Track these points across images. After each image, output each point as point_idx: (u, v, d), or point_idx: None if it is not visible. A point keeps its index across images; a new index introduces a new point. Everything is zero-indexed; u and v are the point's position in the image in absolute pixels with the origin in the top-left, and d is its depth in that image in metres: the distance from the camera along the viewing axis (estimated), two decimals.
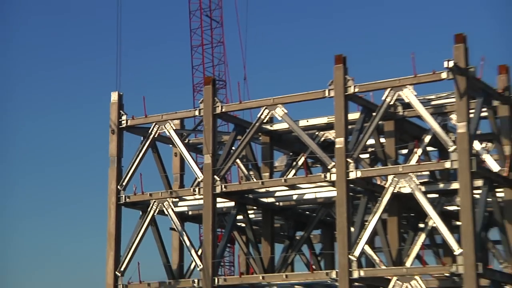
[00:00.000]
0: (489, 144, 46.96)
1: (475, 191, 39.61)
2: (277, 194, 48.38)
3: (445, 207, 44.98)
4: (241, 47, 60.60)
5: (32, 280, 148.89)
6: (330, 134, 46.32)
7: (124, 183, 48.95)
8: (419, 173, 42.26)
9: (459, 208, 39.97)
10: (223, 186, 46.08)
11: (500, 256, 44.98)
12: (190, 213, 51.10)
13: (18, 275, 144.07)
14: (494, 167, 43.47)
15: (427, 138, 45.30)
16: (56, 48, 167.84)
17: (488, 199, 41.54)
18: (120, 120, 49.32)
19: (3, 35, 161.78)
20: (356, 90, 42.65)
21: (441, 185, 43.75)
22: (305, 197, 47.75)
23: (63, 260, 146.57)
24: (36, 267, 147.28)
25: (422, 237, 45.02)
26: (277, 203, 49.62)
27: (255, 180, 49.02)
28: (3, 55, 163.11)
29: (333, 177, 42.22)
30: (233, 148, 47.30)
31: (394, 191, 41.45)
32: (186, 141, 50.21)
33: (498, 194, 43.53)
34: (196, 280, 46.64)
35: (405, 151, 47.57)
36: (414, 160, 44.37)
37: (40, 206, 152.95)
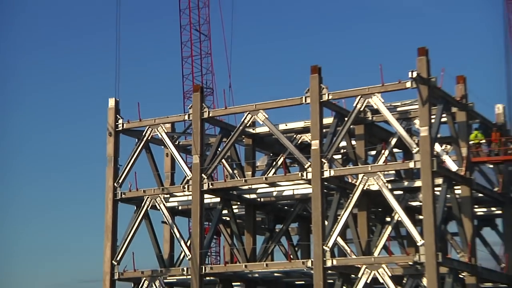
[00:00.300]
0: (448, 146, 47.19)
1: (435, 188, 39.87)
2: (258, 191, 48.44)
3: (409, 203, 45.15)
4: (227, 58, 60.71)
5: (36, 268, 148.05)
6: (307, 137, 46.39)
7: (120, 181, 48.79)
8: (386, 172, 42.36)
9: (421, 203, 40.15)
10: (210, 184, 46.05)
11: (458, 246, 45.16)
12: (180, 208, 50.91)
13: (24, 263, 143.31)
14: (453, 167, 43.68)
15: (393, 141, 45.46)
16: (59, 59, 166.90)
17: (447, 196, 41.72)
18: (117, 123, 49.18)
19: (8, 41, 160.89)
20: (330, 97, 42.78)
21: (406, 183, 43.96)
22: (284, 193, 47.85)
23: (65, 251, 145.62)
24: (39, 258, 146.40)
25: (388, 230, 45.14)
26: (259, 199, 49.61)
27: (238, 178, 48.96)
28: (10, 62, 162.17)
29: (309, 176, 42.28)
30: (219, 149, 47.26)
31: (364, 188, 41.51)
32: (177, 143, 50.06)
33: (456, 191, 43.73)
34: (185, 269, 46.47)
35: (373, 152, 47.72)
36: (381, 160, 44.55)
37: (45, 202, 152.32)
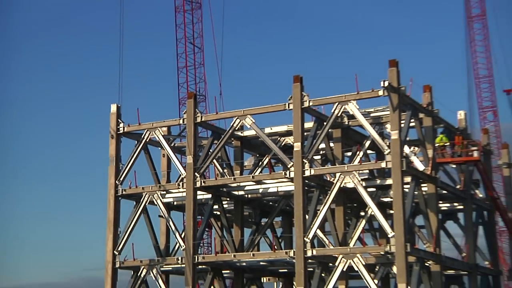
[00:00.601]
0: (416, 148, 47.38)
1: (404, 186, 40.01)
2: (246, 188, 48.40)
3: (381, 199, 45.35)
4: (218, 68, 60.76)
5: (46, 258, 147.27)
6: (290, 140, 46.45)
7: (121, 179, 48.59)
8: (360, 171, 42.50)
9: (392, 199, 40.30)
10: (202, 181, 45.97)
11: (424, 238, 45.42)
12: (175, 203, 50.79)
13: (35, 254, 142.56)
14: (420, 167, 43.78)
15: (367, 143, 45.50)
16: (65, 68, 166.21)
17: (415, 192, 41.83)
18: (118, 127, 48.98)
19: (18, 50, 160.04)
20: (311, 104, 42.84)
21: (378, 181, 44.04)
22: (269, 190, 47.75)
23: (71, 243, 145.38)
24: (49, 249, 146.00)
25: (362, 223, 45.26)
26: (246, 195, 49.54)
27: (228, 176, 48.89)
28: (18, 71, 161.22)
29: (292, 174, 42.29)
30: (211, 150, 47.16)
31: (341, 186, 41.58)
32: (172, 145, 49.95)
33: (423, 188, 43.96)
34: (180, 258, 46.44)
35: (349, 154, 47.77)
36: (356, 160, 44.70)
37: (53, 199, 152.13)
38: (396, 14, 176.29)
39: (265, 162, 50.61)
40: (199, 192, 46.63)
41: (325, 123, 43.31)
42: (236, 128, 46.32)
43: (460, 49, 78.73)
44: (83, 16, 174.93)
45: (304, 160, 41.96)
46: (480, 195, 51.05)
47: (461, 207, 50.03)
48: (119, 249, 47.93)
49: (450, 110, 50.04)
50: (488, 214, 52.40)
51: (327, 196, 41.97)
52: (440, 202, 46.75)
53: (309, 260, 41.98)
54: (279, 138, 48.41)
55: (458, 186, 48.22)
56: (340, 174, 41.66)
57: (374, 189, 44.29)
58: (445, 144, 45.59)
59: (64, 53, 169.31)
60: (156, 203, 47.66)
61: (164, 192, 48.46)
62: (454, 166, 48.88)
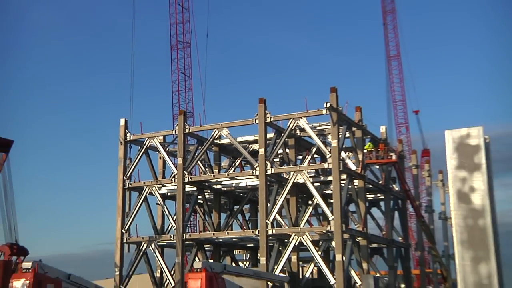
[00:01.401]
0: (350, 153, 47.48)
1: (341, 181, 39.99)
2: (222, 182, 48.01)
3: (324, 191, 45.26)
4: (202, 92, 60.51)
5: (68, 235, 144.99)
6: (255, 146, 45.99)
7: (127, 175, 47.84)
8: (308, 170, 42.47)
9: (332, 191, 40.28)
10: (189, 178, 45.57)
11: (355, 220, 45.50)
12: (169, 194, 50.15)
13: (60, 232, 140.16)
14: (353, 167, 43.95)
15: (314, 149, 45.65)
16: (83, 87, 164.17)
17: (349, 186, 41.93)
18: (126, 136, 48.32)
19: (34, 65, 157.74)
20: (272, 119, 42.66)
21: (322, 178, 44.20)
22: (240, 184, 47.51)
23: (89, 224, 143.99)
24: (71, 229, 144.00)
25: (310, 209, 45.28)
26: (223, 188, 49.12)
27: (209, 174, 48.47)
28: (38, 86, 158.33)
29: (257, 173, 42.04)
30: (196, 154, 46.66)
31: (294, 181, 41.48)
32: (167, 150, 49.26)
33: (355, 183, 44.02)
34: (172, 236, 45.92)
35: (300, 157, 47.70)
36: (306, 162, 44.70)
37: (76, 190, 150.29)
38: (338, 53, 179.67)
39: (237, 163, 50.36)
40: (187, 186, 46.04)
41: (282, 134, 43.18)
42: (215, 137, 45.87)
43: (383, 80, 79.62)
44: (100, 54, 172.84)
45: (266, 162, 41.74)
46: (396, 188, 51.44)
47: (382, 197, 50.34)
48: (126, 228, 47.11)
49: (375, 125, 50.47)
50: (401, 203, 52.81)
51: (283, 189, 41.84)
52: (367, 193, 46.84)
53: (270, 237, 41.73)
54: (248, 145, 48.04)
55: (380, 182, 48.46)
56: (294, 173, 41.56)
57: (318, 184, 44.24)
58: (371, 150, 45.76)
59: (87, 73, 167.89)
60: (154, 194, 46.99)
61: (161, 186, 47.72)
62: (377, 166, 49.14)
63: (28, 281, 29.12)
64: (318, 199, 40.72)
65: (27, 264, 30.03)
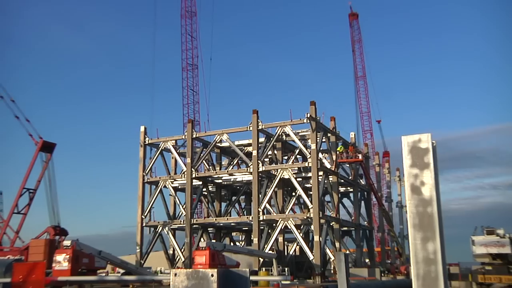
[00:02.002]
0: (326, 154, 47.70)
1: (319, 177, 40.19)
2: (223, 178, 47.91)
3: (305, 185, 45.41)
4: (207, 104, 60.70)
5: (98, 220, 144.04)
6: (250, 149, 46.07)
7: (146, 172, 47.65)
8: (292, 168, 42.51)
9: (311, 185, 40.47)
10: (196, 174, 45.50)
11: (330, 208, 45.62)
12: (179, 187, 50.00)
13: (91, 218, 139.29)
14: (328, 165, 44.19)
15: (297, 151, 45.73)
16: (110, 98, 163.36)
17: (325, 181, 42.16)
18: (145, 140, 48.11)
19: (59, 76, 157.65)
20: (263, 127, 42.78)
21: (303, 174, 44.17)
22: (237, 179, 47.45)
23: (115, 211, 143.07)
24: (101, 215, 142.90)
25: (293, 200, 45.41)
26: (223, 183, 49.11)
27: (212, 171, 48.44)
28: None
29: (251, 170, 42.11)
30: (201, 155, 46.65)
31: (281, 177, 41.57)
32: (178, 151, 49.19)
33: (330, 179, 44.23)
34: (182, 220, 45.83)
35: (286, 157, 47.86)
36: (290, 161, 44.79)
37: (106, 184, 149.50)
38: (316, 74, 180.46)
39: (235, 162, 50.32)
40: (194, 180, 45.99)
41: (271, 139, 43.32)
42: (217, 141, 45.87)
43: (352, 95, 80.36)
44: (124, 75, 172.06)
45: (258, 161, 41.87)
46: (363, 183, 51.65)
47: (352, 190, 50.55)
48: (145, 214, 46.93)
49: (345, 132, 51.00)
50: (367, 194, 53.05)
51: (272, 183, 41.96)
52: (340, 187, 47.08)
53: (261, 222, 41.86)
54: (243, 148, 48.13)
55: (350, 177, 48.73)
56: (280, 170, 41.72)
57: (300, 179, 44.42)
58: (343, 151, 46.00)
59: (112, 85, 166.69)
60: (167, 187, 46.91)
61: (173, 180, 47.62)
62: (348, 165, 49.35)
63: (68, 256, 29.27)
64: (300, 191, 40.87)
65: (67, 243, 30.28)
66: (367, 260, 52.49)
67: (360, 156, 45.89)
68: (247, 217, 44.31)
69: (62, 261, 29.03)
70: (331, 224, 43.41)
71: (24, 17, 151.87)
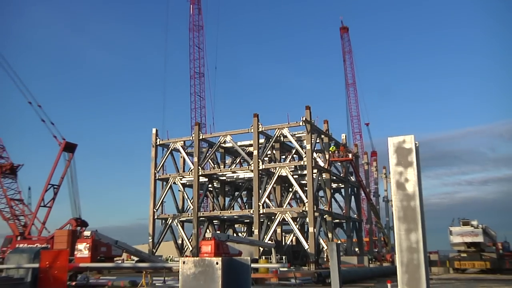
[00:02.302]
0: (319, 154, 47.72)
1: (313, 174, 40.17)
2: (227, 175, 47.85)
3: (301, 181, 45.39)
4: (212, 108, 61.11)
5: (114, 213, 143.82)
6: (251, 149, 46.12)
7: (157, 169, 47.66)
8: (289, 166, 42.59)
9: (306, 182, 40.44)
10: (202, 171, 45.59)
11: (323, 202, 45.61)
12: (187, 183, 50.01)
13: (108, 212, 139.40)
14: (321, 164, 44.18)
15: (293, 151, 45.71)
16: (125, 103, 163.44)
17: (319, 178, 42.16)
18: (156, 141, 48.14)
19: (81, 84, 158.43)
20: (263, 129, 42.81)
21: (299, 172, 44.22)
22: (240, 176, 47.42)
23: (131, 204, 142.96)
24: (119, 207, 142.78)
25: (290, 195, 45.39)
26: (227, 179, 49.16)
27: (217, 168, 48.44)
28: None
29: (252, 168, 42.13)
30: (207, 154, 46.66)
31: (279, 174, 41.58)
32: (186, 151, 49.25)
33: (323, 176, 44.20)
34: (190, 213, 45.82)
35: (283, 157, 47.87)
36: (287, 160, 44.78)
37: (122, 181, 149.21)
38: (312, 81, 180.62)
39: (237, 161, 50.37)
40: (200, 177, 46.09)
41: (270, 140, 43.33)
42: (222, 142, 45.95)
43: (343, 100, 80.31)
44: (137, 81, 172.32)
45: (259, 160, 41.91)
46: (353, 179, 51.65)
47: (343, 186, 50.55)
48: (156, 208, 46.99)
49: (337, 133, 51.30)
50: (356, 190, 53.05)
51: (271, 180, 41.99)
52: (332, 183, 47.14)
53: (261, 215, 41.89)
54: (245, 148, 48.18)
55: (341, 174, 48.72)
56: (279, 168, 41.75)
57: (297, 176, 44.39)
58: (335, 151, 46.08)
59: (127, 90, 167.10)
60: (177, 183, 46.94)
61: (181, 177, 47.65)
62: (339, 163, 49.34)
63: (88, 245, 29.46)
64: (296, 187, 40.88)
65: (87, 233, 30.45)
66: (356, 249, 52.53)
67: (350, 156, 45.93)
68: (249, 211, 44.30)
69: (83, 249, 29.20)
70: (324, 216, 43.45)
71: (48, 28, 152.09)
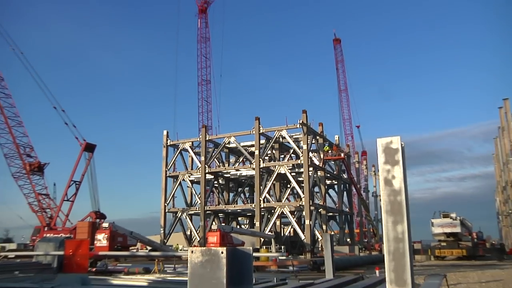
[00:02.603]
0: (315, 153, 47.62)
1: (309, 172, 40.11)
2: (231, 172, 47.76)
3: (298, 178, 45.29)
4: (217, 112, 61.07)
5: (128, 208, 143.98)
6: (253, 149, 46.11)
7: (168, 167, 47.69)
8: (287, 165, 42.49)
9: (303, 179, 40.35)
10: (209, 169, 45.54)
11: (318, 197, 45.57)
12: (195, 180, 50.00)
13: (123, 205, 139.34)
14: (317, 162, 44.09)
15: (291, 151, 45.64)
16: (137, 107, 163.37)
17: (314, 175, 42.08)
18: (167, 142, 48.17)
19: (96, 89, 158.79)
20: (264, 131, 42.76)
21: (297, 170, 44.13)
22: (243, 174, 47.46)
23: (142, 200, 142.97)
24: (134, 201, 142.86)
25: (288, 190, 45.24)
26: (231, 176, 49.12)
27: (222, 167, 48.45)
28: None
29: (254, 166, 42.08)
30: (213, 154, 46.66)
31: (278, 172, 41.51)
32: (194, 151, 49.27)
33: (318, 173, 44.17)
34: (197, 207, 45.77)
35: (282, 156, 47.80)
36: (286, 159, 44.71)
37: (135, 178, 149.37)
38: (309, 87, 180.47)
39: (240, 160, 50.30)
40: (207, 175, 46.02)
41: (270, 141, 43.29)
42: (226, 143, 45.92)
43: (336, 104, 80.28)
44: (149, 88, 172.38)
45: (260, 159, 41.84)
46: (345, 176, 51.56)
47: (336, 182, 50.45)
48: (167, 202, 47.01)
49: (331, 134, 51.20)
50: (348, 186, 52.93)
51: (271, 177, 41.94)
52: (326, 180, 47.01)
53: (262, 209, 41.80)
54: (247, 148, 48.18)
55: (335, 172, 48.62)
56: (278, 166, 41.70)
57: (294, 174, 44.38)
58: (329, 150, 46.02)
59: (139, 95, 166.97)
60: (185, 180, 46.96)
61: (190, 175, 47.65)
62: (333, 162, 49.26)
63: (106, 235, 29.58)
64: (294, 183, 40.83)
65: (105, 224, 30.57)
66: (348, 240, 52.40)
67: (342, 155, 45.88)
68: (251, 205, 44.30)
69: (102, 239, 29.33)
70: (319, 210, 43.37)
71: (66, 37, 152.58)
